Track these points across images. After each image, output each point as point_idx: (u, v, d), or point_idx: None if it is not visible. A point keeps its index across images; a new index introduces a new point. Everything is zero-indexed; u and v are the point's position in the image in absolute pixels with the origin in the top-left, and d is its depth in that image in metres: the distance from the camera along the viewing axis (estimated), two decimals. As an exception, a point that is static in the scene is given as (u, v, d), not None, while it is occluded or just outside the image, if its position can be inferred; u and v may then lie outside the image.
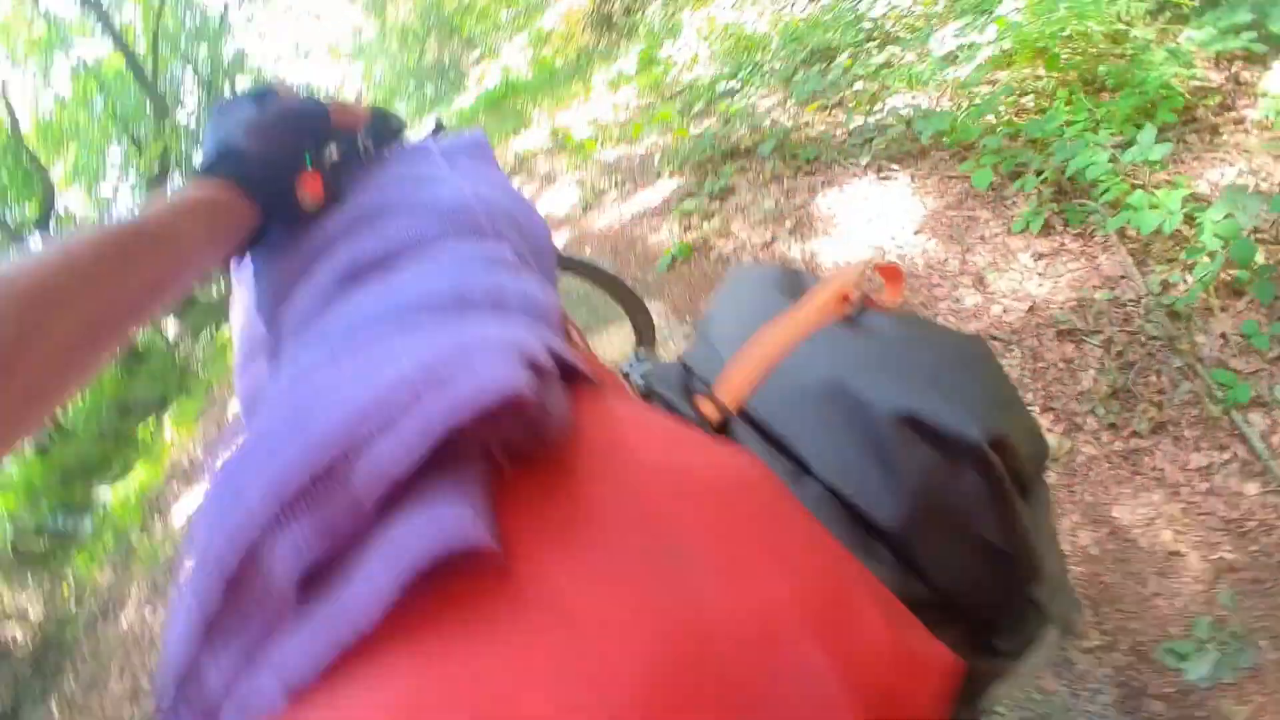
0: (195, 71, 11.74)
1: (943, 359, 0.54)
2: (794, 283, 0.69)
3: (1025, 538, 0.47)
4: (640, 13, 8.93)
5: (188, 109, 12.80)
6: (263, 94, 0.56)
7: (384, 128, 0.66)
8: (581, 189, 4.71)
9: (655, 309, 2.91)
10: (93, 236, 0.42)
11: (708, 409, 0.61)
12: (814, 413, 0.53)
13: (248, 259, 0.56)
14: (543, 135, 6.94)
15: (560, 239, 4.26)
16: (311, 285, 0.49)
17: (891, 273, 0.67)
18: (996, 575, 0.47)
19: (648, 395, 0.74)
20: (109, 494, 6.02)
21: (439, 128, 1.90)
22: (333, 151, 0.56)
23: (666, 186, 3.87)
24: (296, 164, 0.53)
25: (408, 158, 0.64)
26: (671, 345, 2.67)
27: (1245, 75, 2.78)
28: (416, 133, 1.83)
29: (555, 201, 4.94)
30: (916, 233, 2.55)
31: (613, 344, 2.87)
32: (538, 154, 6.57)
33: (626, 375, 1.46)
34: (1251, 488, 1.63)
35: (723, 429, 0.59)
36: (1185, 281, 1.99)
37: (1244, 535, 1.58)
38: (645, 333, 2.28)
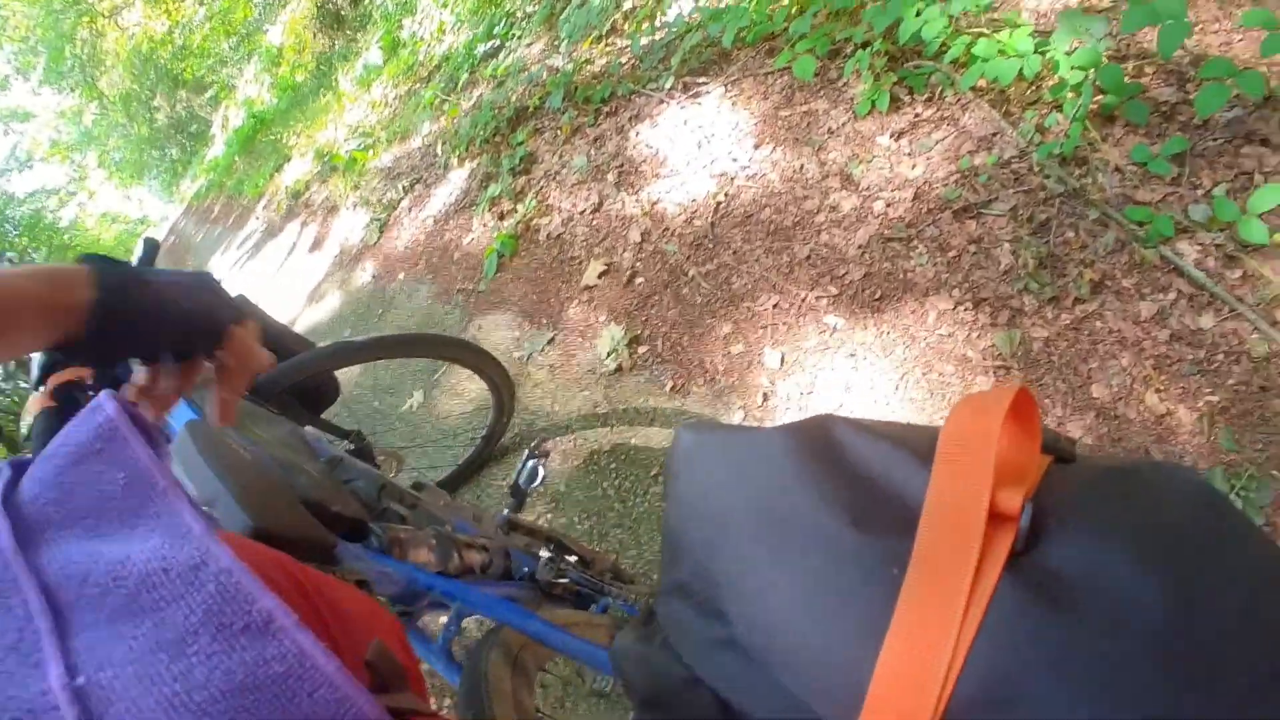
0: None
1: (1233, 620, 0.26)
2: (827, 457, 0.37)
3: None
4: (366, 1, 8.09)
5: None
6: None
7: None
8: (370, 208, 4.10)
9: (503, 322, 2.46)
10: None
11: None
12: None
13: None
14: (308, 162, 6.16)
15: (365, 273, 3.68)
16: None
17: (1021, 407, 0.35)
18: None
19: None
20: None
21: (151, 248, 1.36)
22: None
23: (460, 176, 3.37)
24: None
25: None
26: (540, 360, 2.24)
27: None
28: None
29: (343, 234, 4.31)
30: (757, 146, 2.22)
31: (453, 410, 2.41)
32: (310, 183, 5.82)
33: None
34: (1207, 320, 1.47)
35: None
36: (1058, 121, 1.80)
37: (1218, 371, 1.43)
38: (502, 387, 1.85)
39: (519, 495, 1.34)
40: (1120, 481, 0.33)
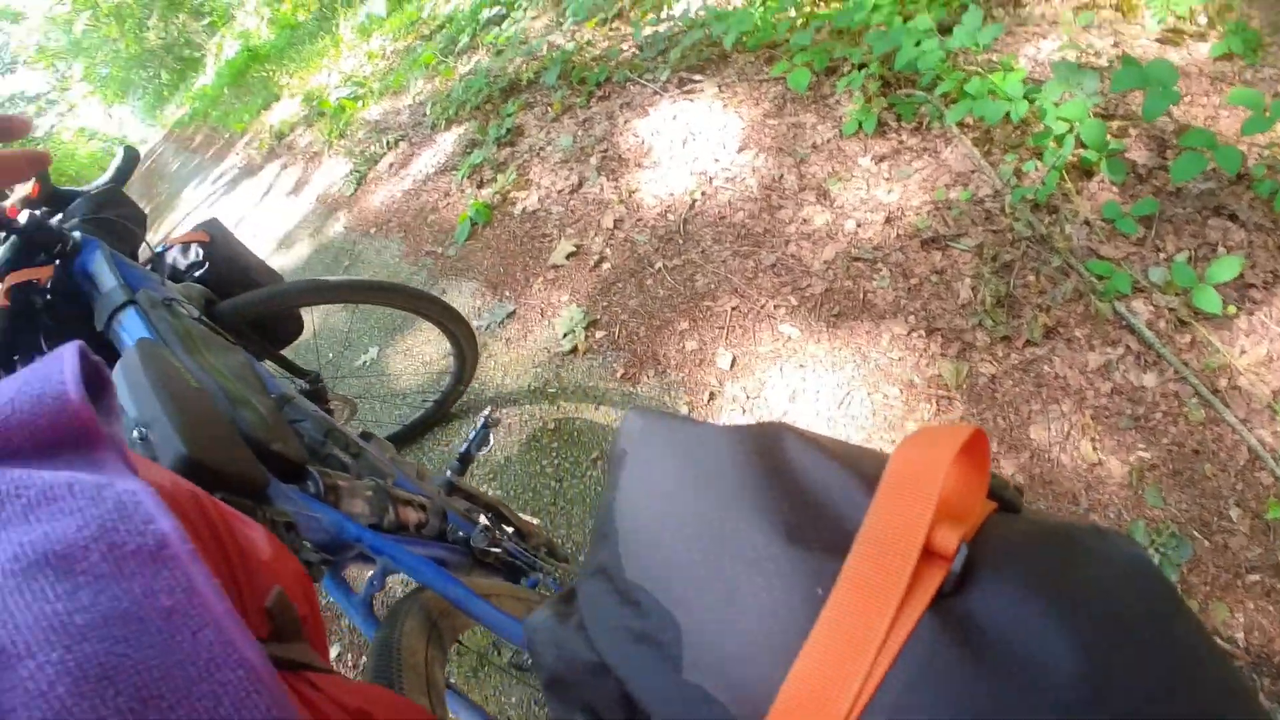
0: None
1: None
2: (772, 467, 0.37)
3: None
4: (378, -54, 7.93)
5: None
6: None
7: None
8: (352, 159, 4.04)
9: (467, 289, 2.45)
10: None
11: None
12: None
13: None
14: (296, 104, 6.04)
15: (338, 224, 3.63)
16: None
17: (974, 448, 0.35)
18: None
19: None
20: None
21: (131, 158, 1.34)
22: None
23: (446, 140, 3.33)
24: None
25: None
26: (498, 331, 2.23)
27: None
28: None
29: (326, 180, 4.24)
30: (740, 150, 2.23)
31: (412, 368, 2.39)
32: (295, 126, 5.71)
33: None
34: (1150, 379, 1.52)
35: None
36: (1037, 168, 1.84)
37: (1154, 430, 1.47)
38: (466, 348, 1.84)
39: (466, 460, 1.32)
40: (1060, 541, 0.33)
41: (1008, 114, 1.86)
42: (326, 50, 6.69)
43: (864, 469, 0.35)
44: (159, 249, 1.43)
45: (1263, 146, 1.73)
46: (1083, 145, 1.77)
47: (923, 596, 0.29)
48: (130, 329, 1.00)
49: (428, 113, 3.63)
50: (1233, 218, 1.63)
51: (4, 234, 1.08)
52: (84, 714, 0.23)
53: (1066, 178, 1.80)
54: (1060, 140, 1.78)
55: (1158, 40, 2.12)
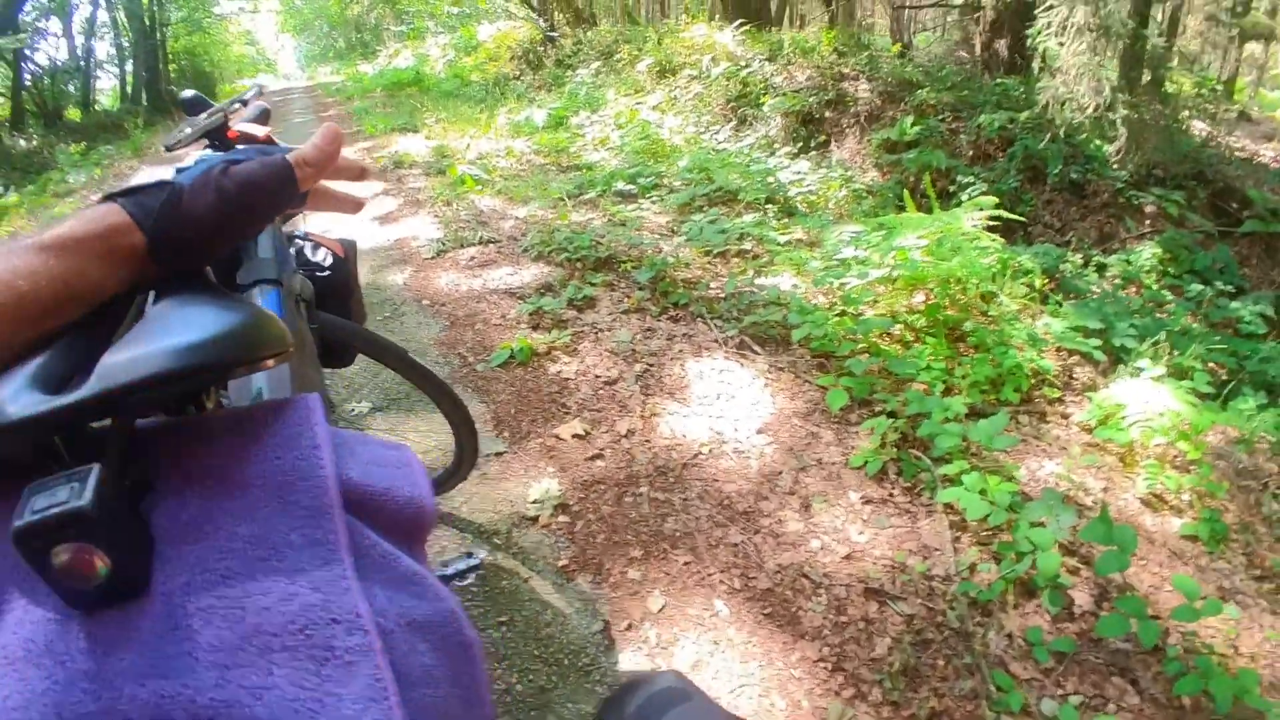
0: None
1: None
2: None
3: None
4: (570, 70, 8.82)
5: None
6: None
7: None
8: (444, 229, 4.36)
9: (475, 409, 2.61)
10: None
11: None
12: None
13: None
14: (427, 148, 6.52)
15: (400, 276, 3.87)
16: None
17: None
18: None
19: None
20: None
21: (258, 93, 1.52)
22: None
23: (530, 270, 3.63)
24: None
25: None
26: (480, 465, 2.37)
27: (1077, 373, 3.05)
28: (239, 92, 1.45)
29: (411, 230, 4.54)
30: (759, 431, 2.46)
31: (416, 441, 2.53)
32: (415, 165, 6.14)
33: None
34: None
35: None
36: (991, 571, 2.03)
37: None
38: (465, 460, 1.97)
39: (445, 583, 1.42)
40: None
41: (987, 516, 2.08)
42: (477, 121, 7.29)
43: None
44: (297, 234, 1.58)
45: (1187, 632, 1.90)
46: (1035, 567, 1.95)
47: None
48: (268, 306, 1.07)
49: (529, 236, 3.96)
50: (1134, 683, 1.77)
51: (214, 148, 1.23)
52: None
53: (1011, 591, 1.97)
54: (1020, 557, 1.97)
55: (1142, 499, 2.36)
